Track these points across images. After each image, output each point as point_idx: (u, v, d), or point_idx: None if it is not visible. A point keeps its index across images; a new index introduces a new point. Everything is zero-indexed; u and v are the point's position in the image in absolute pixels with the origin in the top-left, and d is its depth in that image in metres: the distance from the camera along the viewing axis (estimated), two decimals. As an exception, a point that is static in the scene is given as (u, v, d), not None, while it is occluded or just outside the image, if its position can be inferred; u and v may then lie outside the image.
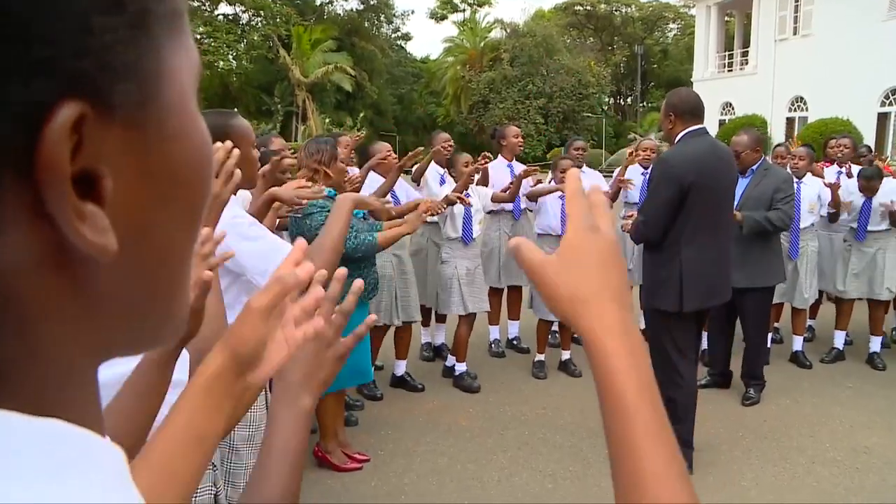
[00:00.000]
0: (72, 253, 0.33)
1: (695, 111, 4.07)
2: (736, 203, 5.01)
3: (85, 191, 0.32)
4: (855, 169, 6.53)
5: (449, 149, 5.92)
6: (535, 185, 6.01)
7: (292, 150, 4.86)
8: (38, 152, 0.30)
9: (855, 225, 6.02)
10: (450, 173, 5.64)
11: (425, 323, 6.16)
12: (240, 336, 0.78)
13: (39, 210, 0.31)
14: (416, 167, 5.99)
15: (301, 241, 0.88)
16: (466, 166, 5.32)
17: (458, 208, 5.32)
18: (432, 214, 4.31)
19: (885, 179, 5.94)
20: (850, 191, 6.04)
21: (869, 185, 5.89)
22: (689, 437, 4.13)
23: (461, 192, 5.18)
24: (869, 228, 5.96)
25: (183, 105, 0.38)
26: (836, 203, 5.96)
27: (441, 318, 6.05)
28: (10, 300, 0.32)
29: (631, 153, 6.70)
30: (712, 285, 4.05)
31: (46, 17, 0.30)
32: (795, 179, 5.64)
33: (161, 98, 0.36)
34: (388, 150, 5.36)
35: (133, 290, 0.37)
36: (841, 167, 6.68)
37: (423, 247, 5.77)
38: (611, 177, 6.77)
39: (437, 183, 5.66)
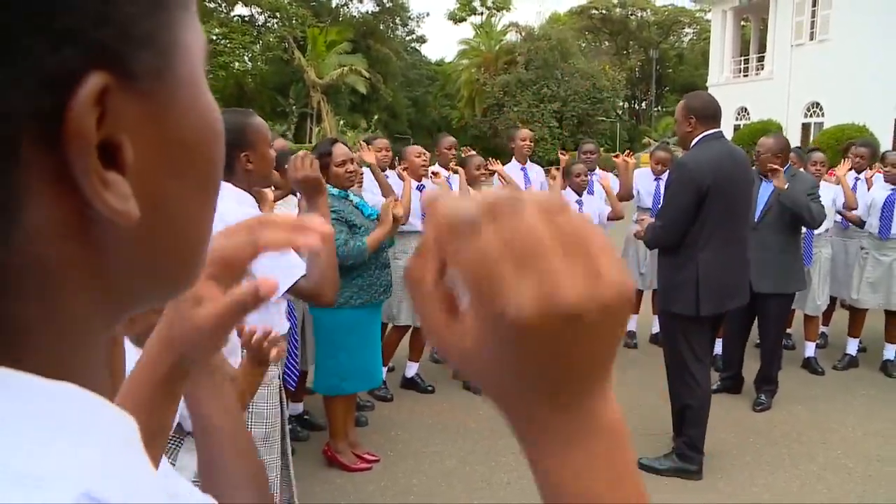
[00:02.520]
0: (93, 219, 0.34)
1: (716, 115, 4.09)
2: (760, 208, 5.01)
3: (107, 159, 0.33)
4: (876, 177, 6.47)
5: (452, 154, 5.91)
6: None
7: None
8: (65, 121, 0.31)
9: (873, 229, 5.94)
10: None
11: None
12: (191, 345, 0.67)
13: (63, 177, 0.32)
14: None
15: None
16: (478, 169, 5.35)
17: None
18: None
19: None
20: (872, 196, 5.97)
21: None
22: (700, 442, 4.12)
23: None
24: (891, 234, 5.86)
25: (194, 79, 0.39)
26: (849, 202, 5.89)
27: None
28: (32, 265, 0.33)
29: (618, 156, 6.53)
30: (729, 288, 4.04)
31: None
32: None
33: (175, 71, 0.37)
34: (420, 153, 5.36)
35: (152, 254, 0.39)
36: (859, 174, 6.60)
37: None
38: None
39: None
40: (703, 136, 4.03)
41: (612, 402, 0.40)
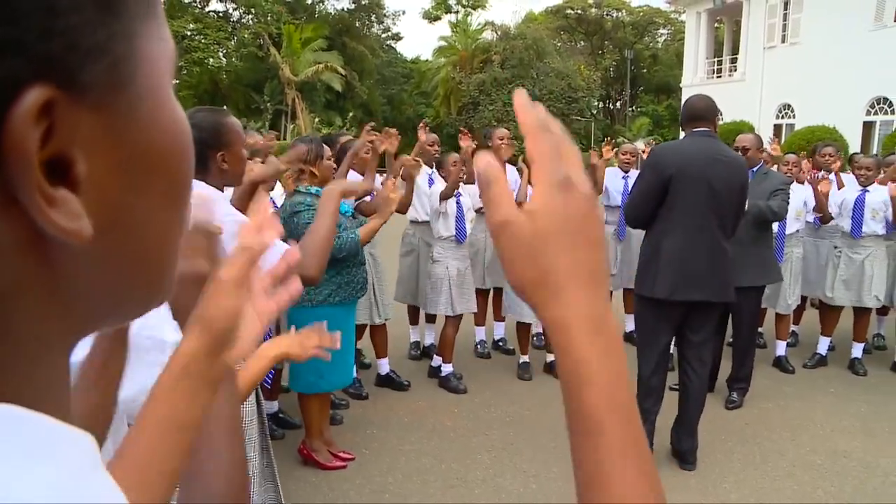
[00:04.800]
0: (48, 238, 0.33)
1: (692, 116, 4.22)
2: None
3: (58, 175, 0.32)
4: (845, 178, 6.58)
5: (436, 149, 5.93)
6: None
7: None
8: (3, 137, 0.30)
9: (846, 228, 6.04)
10: (440, 174, 5.62)
11: (414, 322, 6.18)
12: (212, 312, 0.71)
13: (12, 194, 0.31)
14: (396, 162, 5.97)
15: (263, 206, 0.79)
16: (454, 165, 5.35)
17: (451, 207, 5.34)
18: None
19: (872, 186, 5.99)
20: (843, 197, 6.07)
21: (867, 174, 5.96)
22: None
23: (452, 191, 5.23)
24: (863, 233, 5.95)
25: (157, 92, 0.38)
26: (821, 206, 6.00)
27: (431, 319, 6.06)
28: None
29: (604, 150, 6.53)
30: (690, 277, 4.06)
31: None
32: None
33: (134, 84, 0.36)
34: (367, 147, 5.33)
35: (112, 274, 0.37)
36: (828, 175, 6.72)
37: (416, 247, 5.76)
38: None
39: (426, 183, 5.67)
40: (689, 134, 4.22)
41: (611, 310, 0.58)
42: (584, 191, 0.56)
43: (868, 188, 5.94)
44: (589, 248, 0.56)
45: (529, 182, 5.36)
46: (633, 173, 6.57)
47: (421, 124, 6.23)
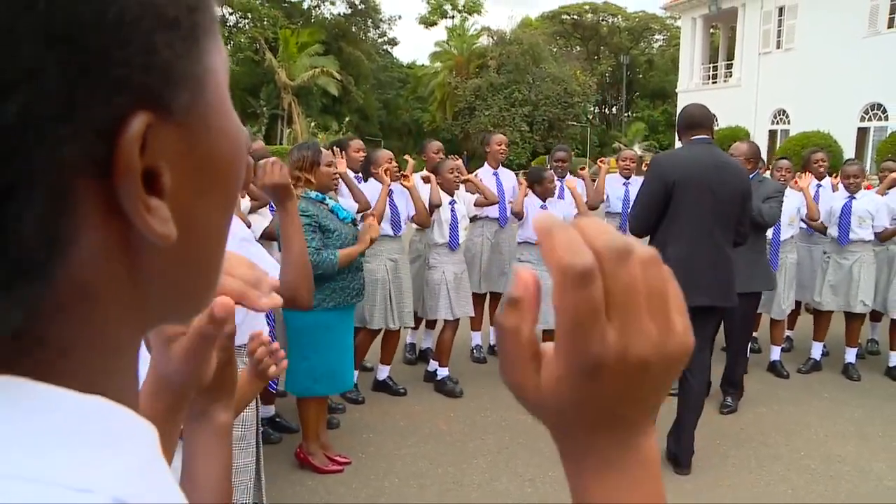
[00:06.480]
0: (133, 242, 0.37)
1: (690, 123, 4.26)
2: None
3: (148, 185, 0.36)
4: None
5: (440, 158, 5.97)
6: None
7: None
8: (115, 159, 0.34)
9: (834, 234, 6.08)
10: (437, 181, 5.63)
11: (414, 327, 6.19)
12: (178, 378, 0.75)
13: (110, 206, 0.35)
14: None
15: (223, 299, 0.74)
16: (451, 172, 5.38)
17: (445, 214, 5.35)
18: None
19: (858, 193, 6.03)
20: (831, 204, 6.13)
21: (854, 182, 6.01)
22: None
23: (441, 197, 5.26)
24: (850, 240, 5.99)
25: (221, 101, 0.42)
26: (811, 212, 6.04)
27: (431, 324, 6.04)
28: (83, 288, 0.36)
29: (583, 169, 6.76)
30: (692, 282, 4.07)
31: (120, 43, 0.34)
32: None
33: (205, 97, 0.40)
34: (391, 159, 5.34)
35: (180, 271, 0.42)
36: (821, 181, 6.77)
37: (422, 252, 5.72)
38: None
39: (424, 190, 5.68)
40: (688, 142, 4.26)
41: (653, 437, 0.45)
42: (622, 380, 0.41)
43: (855, 195, 6.00)
44: (609, 424, 0.44)
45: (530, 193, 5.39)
46: (634, 179, 6.59)
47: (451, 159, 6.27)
